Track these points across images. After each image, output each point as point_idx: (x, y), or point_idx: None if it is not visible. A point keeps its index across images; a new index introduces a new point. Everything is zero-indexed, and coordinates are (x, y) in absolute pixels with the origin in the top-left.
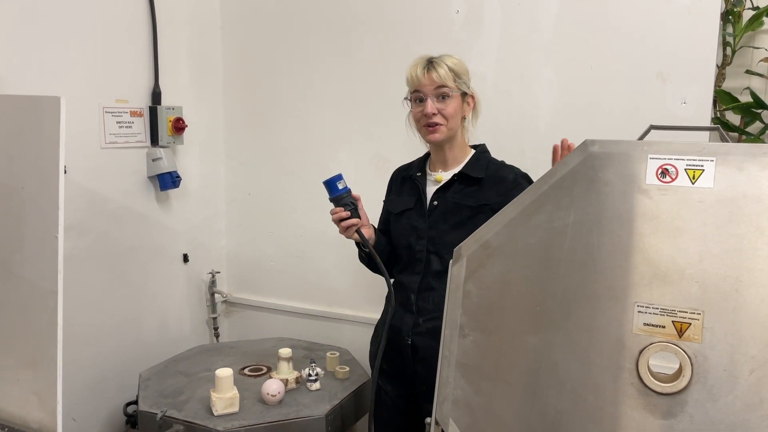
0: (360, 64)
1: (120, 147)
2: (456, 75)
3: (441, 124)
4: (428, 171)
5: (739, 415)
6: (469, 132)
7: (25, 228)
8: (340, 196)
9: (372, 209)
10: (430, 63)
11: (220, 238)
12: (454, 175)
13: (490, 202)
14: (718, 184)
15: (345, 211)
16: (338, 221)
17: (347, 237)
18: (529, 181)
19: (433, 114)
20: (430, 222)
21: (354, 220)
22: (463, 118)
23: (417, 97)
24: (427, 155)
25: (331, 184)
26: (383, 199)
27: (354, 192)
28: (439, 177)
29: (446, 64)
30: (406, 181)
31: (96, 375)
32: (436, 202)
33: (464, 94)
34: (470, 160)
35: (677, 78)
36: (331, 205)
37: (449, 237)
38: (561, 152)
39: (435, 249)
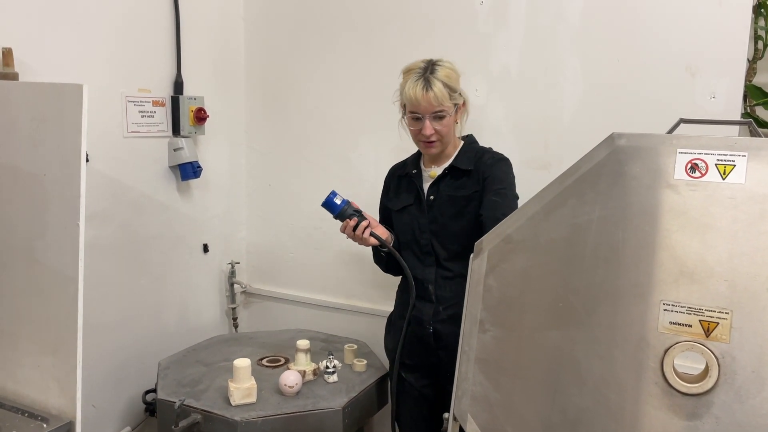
0: (382, 55)
1: (142, 136)
2: (451, 90)
3: (437, 141)
4: (422, 168)
5: (767, 417)
6: (459, 129)
7: (47, 215)
8: (342, 210)
9: None
10: (427, 82)
11: (240, 229)
12: (446, 169)
13: (479, 189)
14: (749, 179)
15: (351, 220)
16: (351, 231)
17: (366, 245)
18: (505, 161)
19: (431, 134)
20: (430, 216)
21: (365, 222)
22: (456, 121)
23: (414, 116)
24: (420, 152)
25: (329, 203)
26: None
27: (356, 202)
28: (433, 173)
29: (441, 81)
30: (403, 179)
31: (116, 363)
32: (432, 197)
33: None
34: (459, 153)
35: (707, 72)
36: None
37: (450, 227)
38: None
39: (439, 240)
